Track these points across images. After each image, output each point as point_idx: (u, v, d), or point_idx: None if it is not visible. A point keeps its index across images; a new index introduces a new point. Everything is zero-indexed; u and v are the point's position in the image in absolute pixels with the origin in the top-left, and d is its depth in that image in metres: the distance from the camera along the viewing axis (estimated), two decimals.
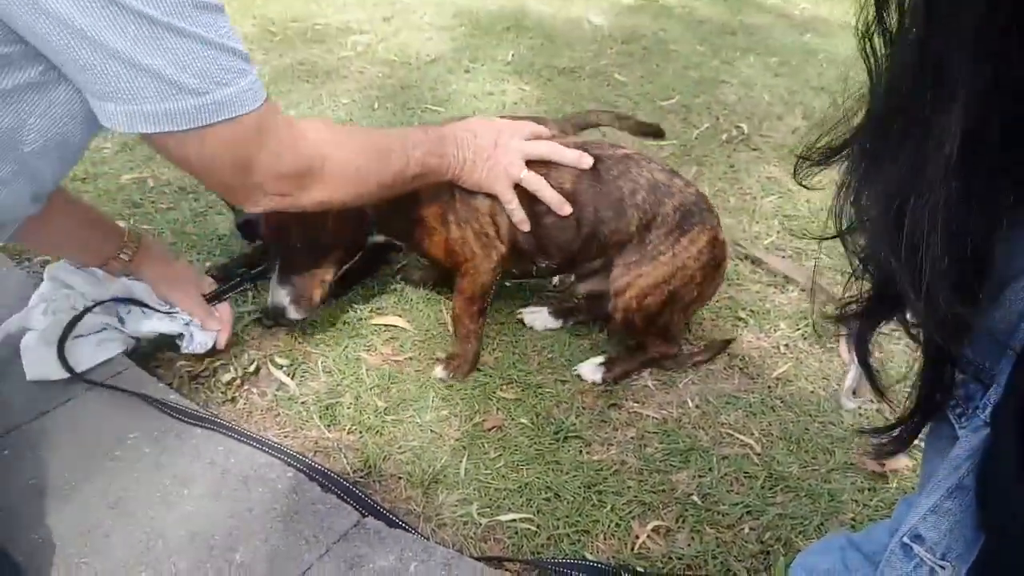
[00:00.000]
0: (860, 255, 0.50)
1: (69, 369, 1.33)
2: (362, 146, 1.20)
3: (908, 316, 0.51)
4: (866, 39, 0.45)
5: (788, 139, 2.51)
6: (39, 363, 1.34)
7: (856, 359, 0.55)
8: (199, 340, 1.42)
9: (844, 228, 0.49)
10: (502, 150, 1.37)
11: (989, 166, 0.43)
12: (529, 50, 3.05)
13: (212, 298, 1.47)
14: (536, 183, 1.39)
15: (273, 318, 1.50)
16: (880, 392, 0.56)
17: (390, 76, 2.78)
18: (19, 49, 0.87)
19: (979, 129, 0.41)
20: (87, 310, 1.37)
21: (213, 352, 1.45)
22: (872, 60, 0.45)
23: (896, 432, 0.56)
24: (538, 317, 1.66)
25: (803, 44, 3.39)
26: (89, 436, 1.26)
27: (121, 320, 1.42)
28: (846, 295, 0.52)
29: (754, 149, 2.45)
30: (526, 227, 1.41)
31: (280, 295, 1.44)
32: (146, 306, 1.42)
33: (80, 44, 0.85)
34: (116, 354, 1.41)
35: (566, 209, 1.40)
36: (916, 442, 0.56)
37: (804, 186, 0.52)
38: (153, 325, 1.42)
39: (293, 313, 1.45)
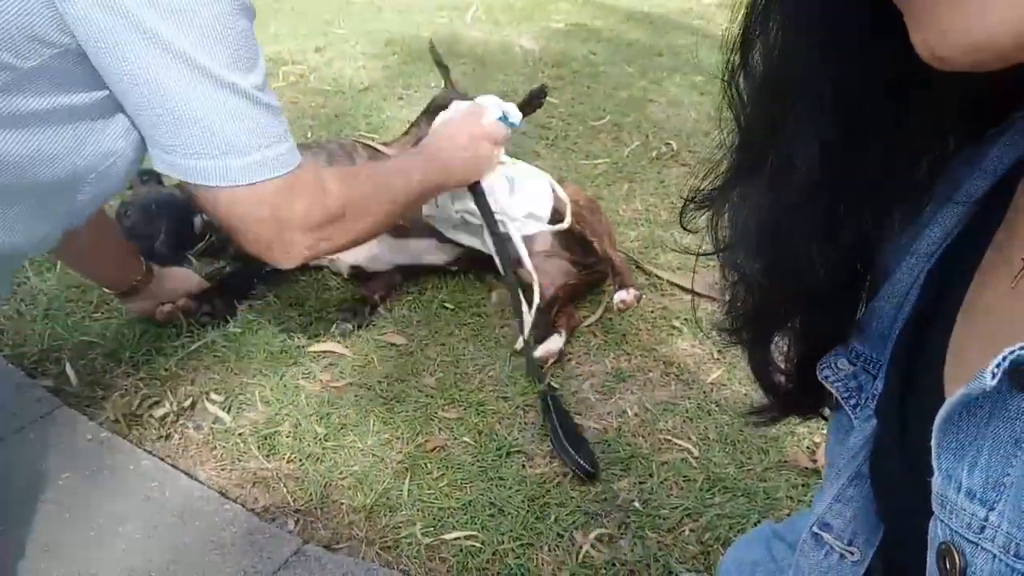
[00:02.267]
0: (737, 275, 0.51)
1: None
2: (373, 186, 1.33)
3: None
4: (731, 86, 0.47)
5: (716, 154, 2.58)
6: None
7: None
8: None
9: (720, 247, 0.51)
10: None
11: (855, 176, 0.45)
12: (462, 75, 3.08)
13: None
14: None
15: None
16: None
17: (324, 105, 2.78)
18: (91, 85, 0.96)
19: (839, 140, 0.43)
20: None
21: None
22: (738, 105, 0.47)
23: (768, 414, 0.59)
24: (551, 342, 1.64)
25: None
26: (19, 479, 1.23)
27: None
28: (724, 309, 0.55)
29: (683, 164, 2.51)
30: None
31: None
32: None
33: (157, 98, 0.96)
34: None
35: None
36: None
37: (688, 230, 0.54)
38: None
39: None
